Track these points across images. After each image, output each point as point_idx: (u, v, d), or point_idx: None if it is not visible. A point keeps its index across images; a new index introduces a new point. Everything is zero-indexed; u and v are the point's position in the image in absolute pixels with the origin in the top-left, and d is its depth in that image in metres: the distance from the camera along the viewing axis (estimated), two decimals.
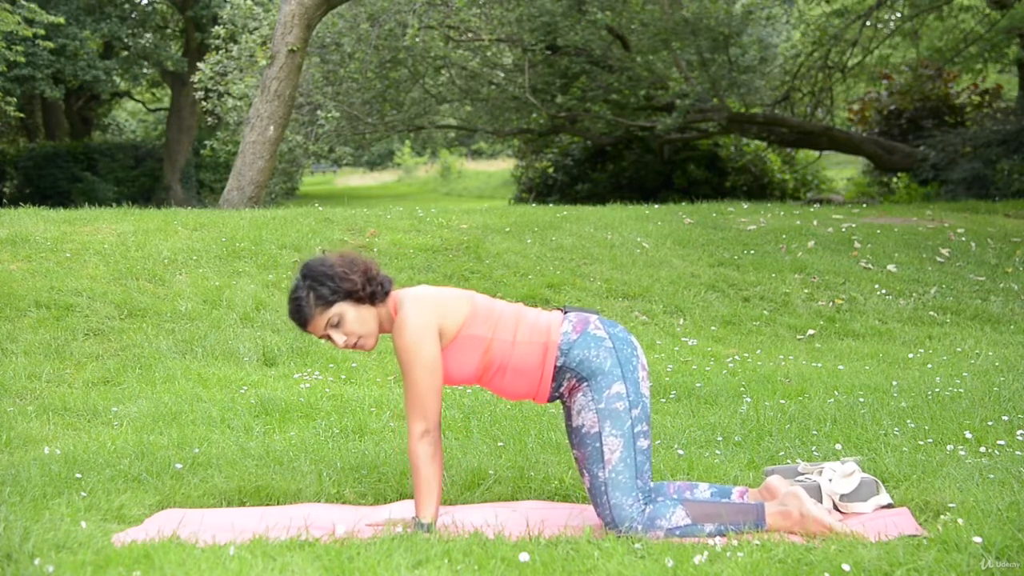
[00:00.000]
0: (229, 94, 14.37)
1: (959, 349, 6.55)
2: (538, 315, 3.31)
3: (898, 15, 18.13)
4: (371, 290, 3.18)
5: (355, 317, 3.18)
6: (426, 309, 3.17)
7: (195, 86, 15.04)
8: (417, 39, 14.47)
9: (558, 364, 3.21)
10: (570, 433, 3.27)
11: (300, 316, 3.20)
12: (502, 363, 3.22)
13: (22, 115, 21.28)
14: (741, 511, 3.15)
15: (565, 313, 3.31)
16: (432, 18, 14.81)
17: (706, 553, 2.86)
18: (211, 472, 3.84)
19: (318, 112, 14.66)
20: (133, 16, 25.57)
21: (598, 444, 3.15)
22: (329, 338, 3.21)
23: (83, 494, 3.50)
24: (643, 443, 3.18)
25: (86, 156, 25.60)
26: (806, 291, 8.01)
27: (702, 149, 19.82)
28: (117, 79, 25.43)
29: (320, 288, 3.16)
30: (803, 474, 3.50)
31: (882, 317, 7.53)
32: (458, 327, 3.19)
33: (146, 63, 25.67)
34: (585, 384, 3.19)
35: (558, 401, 3.40)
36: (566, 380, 3.23)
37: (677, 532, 3.12)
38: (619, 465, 3.13)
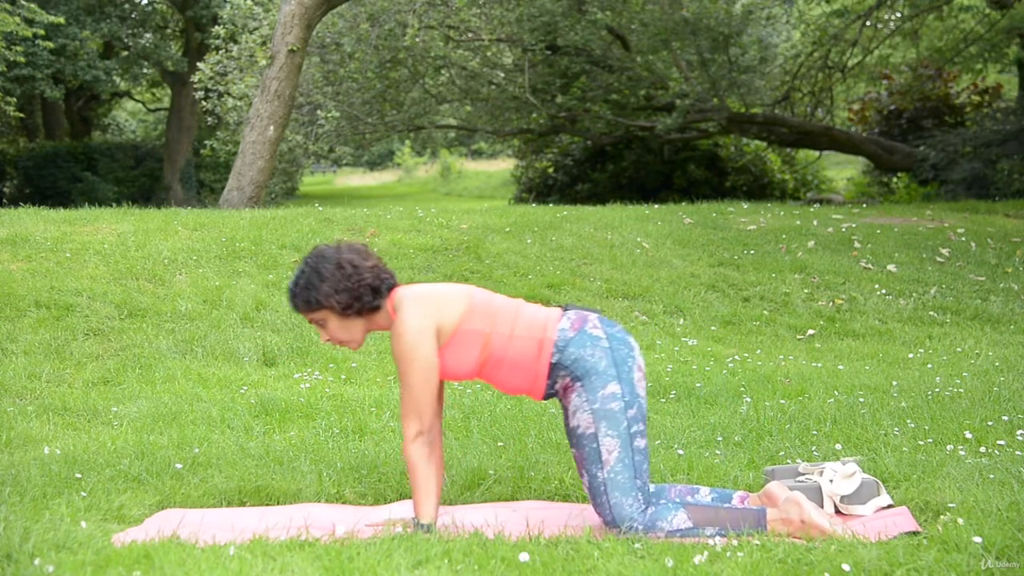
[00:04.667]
0: (229, 94, 14.36)
1: (959, 349, 6.55)
2: (537, 310, 3.31)
3: (898, 15, 18.13)
4: (358, 306, 3.20)
5: (338, 325, 3.24)
6: (424, 309, 3.18)
7: (195, 86, 15.04)
8: (417, 39, 14.47)
9: (553, 361, 3.20)
10: (568, 433, 3.27)
11: (291, 303, 3.28)
12: (500, 356, 3.22)
13: (22, 115, 21.28)
14: (743, 516, 3.15)
15: (565, 310, 3.31)
16: (432, 18, 14.81)
17: (706, 553, 2.86)
18: (211, 472, 3.84)
19: (318, 112, 14.67)
20: (133, 16, 25.56)
21: (595, 445, 3.15)
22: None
23: (83, 494, 3.50)
24: (640, 443, 3.18)
25: (86, 156, 25.58)
26: (806, 291, 8.01)
27: (702, 149, 19.81)
28: (117, 79, 25.42)
29: (311, 291, 3.19)
30: (803, 474, 3.50)
31: (882, 317, 7.53)
32: (456, 323, 3.20)
33: (146, 63, 25.66)
34: (579, 384, 3.18)
35: (555, 399, 3.39)
36: (560, 378, 3.22)
37: (678, 535, 3.12)
38: (617, 465, 3.13)
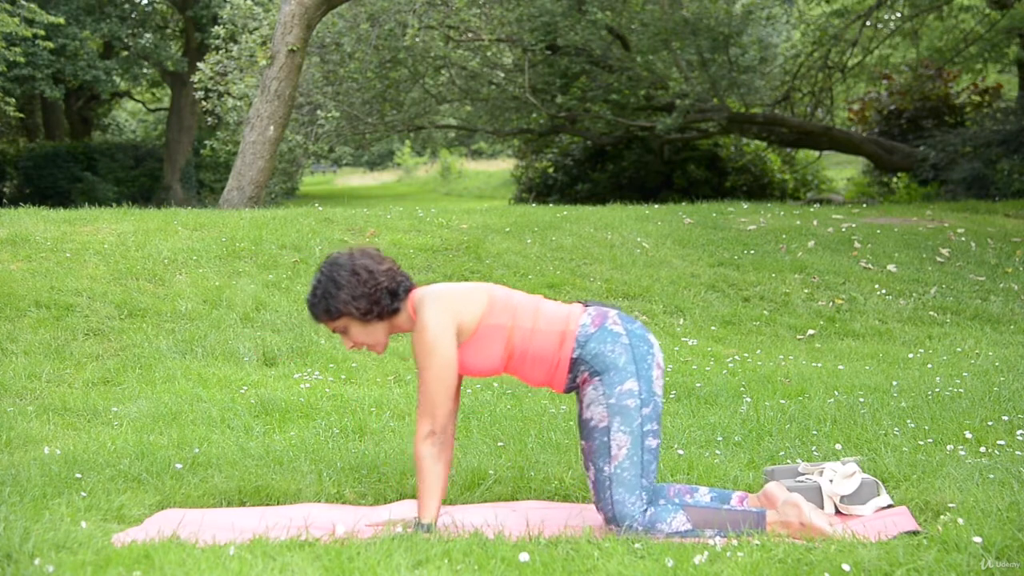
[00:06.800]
0: (229, 94, 14.36)
1: (959, 349, 6.55)
2: (558, 306, 3.34)
3: (898, 15, 18.13)
4: (377, 311, 3.22)
5: (360, 330, 3.27)
6: (445, 309, 3.19)
7: (195, 86, 15.03)
8: (417, 39, 14.47)
9: (574, 355, 3.22)
10: (580, 425, 3.28)
11: (311, 314, 3.30)
12: (523, 350, 3.24)
13: (22, 115, 21.30)
14: (742, 518, 3.15)
15: (586, 306, 3.32)
16: (432, 18, 14.81)
17: (706, 553, 2.85)
18: (211, 472, 3.84)
19: (318, 112, 14.66)
20: (133, 16, 25.58)
21: (606, 439, 3.16)
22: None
23: (83, 494, 3.50)
24: (652, 442, 3.19)
25: (86, 156, 25.58)
26: (806, 291, 8.01)
27: (702, 149, 19.81)
28: (117, 79, 25.43)
29: (329, 300, 3.21)
30: (803, 474, 3.50)
31: (882, 317, 7.53)
32: (478, 320, 3.22)
33: (146, 63, 25.68)
34: (597, 378, 3.20)
35: (572, 394, 3.41)
36: (580, 372, 3.24)
37: (677, 536, 3.12)
38: (625, 462, 3.14)
